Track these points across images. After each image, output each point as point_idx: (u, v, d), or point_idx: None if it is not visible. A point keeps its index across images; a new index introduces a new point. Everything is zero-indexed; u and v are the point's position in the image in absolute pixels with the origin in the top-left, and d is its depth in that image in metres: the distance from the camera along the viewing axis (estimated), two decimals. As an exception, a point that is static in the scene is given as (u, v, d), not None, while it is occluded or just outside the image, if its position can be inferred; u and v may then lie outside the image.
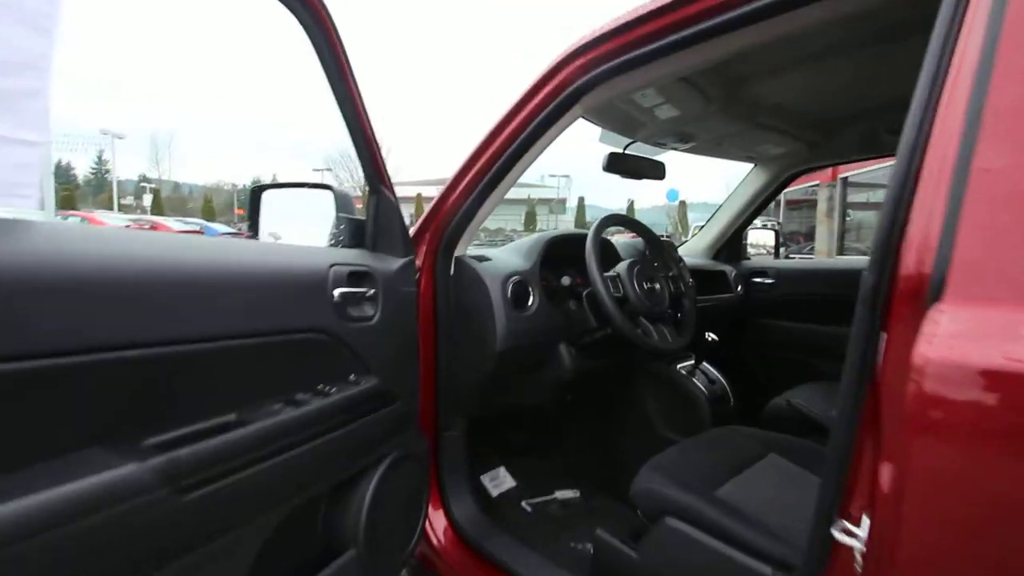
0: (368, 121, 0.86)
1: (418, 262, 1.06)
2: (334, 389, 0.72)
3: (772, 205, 2.10)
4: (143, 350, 0.52)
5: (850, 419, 0.53)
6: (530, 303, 1.17)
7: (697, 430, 1.27)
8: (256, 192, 0.98)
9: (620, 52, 0.84)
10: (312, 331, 0.72)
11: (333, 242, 0.92)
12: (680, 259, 1.52)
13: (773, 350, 1.99)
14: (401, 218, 0.94)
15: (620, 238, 1.69)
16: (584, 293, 1.27)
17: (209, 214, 31.49)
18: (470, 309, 1.10)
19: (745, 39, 0.74)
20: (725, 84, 1.20)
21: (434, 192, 1.12)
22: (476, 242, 1.19)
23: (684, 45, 0.77)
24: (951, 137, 0.46)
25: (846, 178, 9.20)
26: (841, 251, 9.35)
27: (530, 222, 36.15)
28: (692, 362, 1.51)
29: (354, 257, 0.85)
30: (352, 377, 0.78)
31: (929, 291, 0.44)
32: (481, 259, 1.16)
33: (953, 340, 0.41)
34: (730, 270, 1.97)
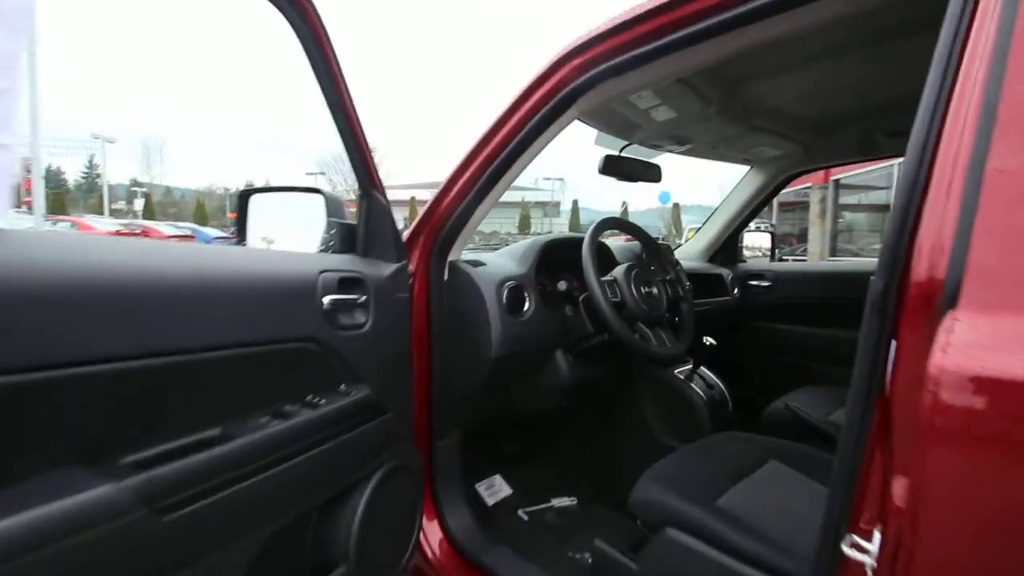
0: (359, 124, 0.84)
1: (411, 267, 1.03)
2: (323, 400, 0.70)
3: (765, 207, 2.10)
4: (120, 364, 0.49)
5: (859, 429, 0.51)
6: (526, 309, 1.15)
7: (695, 436, 1.25)
8: (244, 196, 0.95)
9: (617, 52, 0.82)
10: (300, 340, 0.69)
11: (323, 248, 0.90)
12: (677, 262, 1.51)
13: (770, 353, 1.98)
14: (393, 222, 0.92)
15: (616, 241, 1.68)
16: (581, 298, 1.25)
17: (201, 218, 31.25)
18: (464, 315, 1.08)
19: (744, 39, 0.73)
20: (723, 85, 1.19)
21: (428, 196, 1.10)
22: (471, 245, 1.17)
23: (682, 45, 0.75)
24: (963, 137, 0.44)
25: (838, 180, 9.27)
26: (834, 252, 9.44)
27: (525, 225, 36.20)
28: (690, 367, 1.49)
29: (344, 263, 0.82)
30: (343, 387, 0.75)
31: (942, 298, 0.42)
32: (476, 264, 1.14)
33: (970, 349, 0.39)
34: (726, 273, 1.96)
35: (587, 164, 1.35)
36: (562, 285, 1.30)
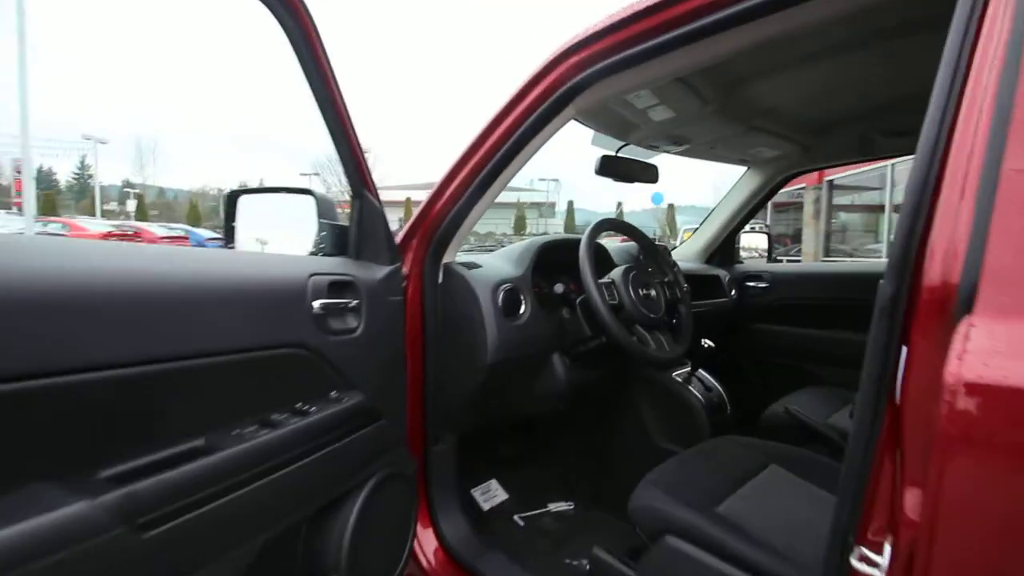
0: (351, 124, 0.82)
1: (405, 269, 1.01)
2: (314, 408, 0.68)
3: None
4: (98, 372, 0.47)
5: (868, 436, 0.50)
6: (522, 311, 1.13)
7: (694, 440, 1.24)
8: (232, 198, 0.92)
9: (615, 50, 0.80)
10: (289, 346, 0.67)
11: (314, 250, 0.87)
12: (675, 264, 1.49)
13: (768, 355, 1.97)
14: (386, 224, 0.89)
15: (612, 242, 1.66)
16: (578, 301, 1.23)
17: (195, 219, 31.05)
18: (459, 319, 1.06)
19: (741, 38, 0.72)
20: (722, 85, 1.18)
21: (423, 197, 1.08)
22: (466, 247, 1.15)
23: (680, 43, 0.74)
24: (977, 136, 0.42)
25: (832, 181, 9.33)
26: (828, 253, 9.49)
27: (520, 226, 36.17)
28: (688, 369, 1.48)
29: (336, 266, 0.80)
30: (334, 394, 0.73)
31: (957, 302, 0.41)
32: (471, 266, 1.12)
33: (988, 357, 0.38)
34: (724, 274, 1.94)
35: (583, 165, 1.33)
36: (559, 287, 1.28)
